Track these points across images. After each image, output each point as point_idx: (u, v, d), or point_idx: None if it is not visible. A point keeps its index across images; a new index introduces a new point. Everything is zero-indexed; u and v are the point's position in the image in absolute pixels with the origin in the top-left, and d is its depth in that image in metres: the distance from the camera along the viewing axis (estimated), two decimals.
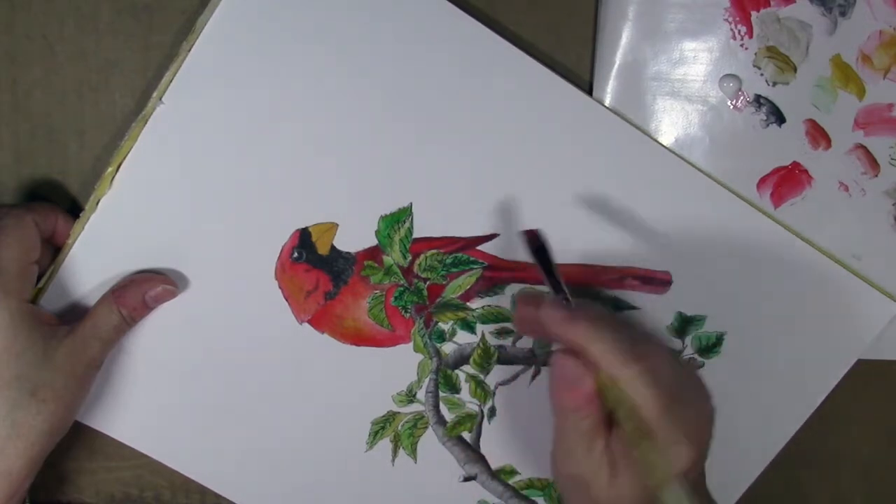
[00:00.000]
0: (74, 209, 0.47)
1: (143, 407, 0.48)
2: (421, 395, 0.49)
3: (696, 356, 0.49)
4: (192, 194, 0.46)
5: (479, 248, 0.48)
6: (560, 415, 0.41)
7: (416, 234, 0.47)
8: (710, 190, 0.48)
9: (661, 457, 0.38)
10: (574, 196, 0.47)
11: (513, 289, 0.48)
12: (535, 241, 0.43)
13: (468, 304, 0.48)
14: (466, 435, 0.50)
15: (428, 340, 0.49)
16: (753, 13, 0.46)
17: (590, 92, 0.47)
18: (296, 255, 0.47)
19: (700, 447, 0.39)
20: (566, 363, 0.39)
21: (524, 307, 0.45)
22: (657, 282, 0.48)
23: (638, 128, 0.47)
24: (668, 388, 0.38)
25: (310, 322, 0.48)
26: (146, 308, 0.46)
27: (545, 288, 0.45)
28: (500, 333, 0.49)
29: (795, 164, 0.48)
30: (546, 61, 0.46)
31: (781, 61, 0.47)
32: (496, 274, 0.48)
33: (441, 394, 0.49)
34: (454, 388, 0.49)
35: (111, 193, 0.45)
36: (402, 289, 0.48)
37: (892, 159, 0.48)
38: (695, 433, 0.39)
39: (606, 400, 0.39)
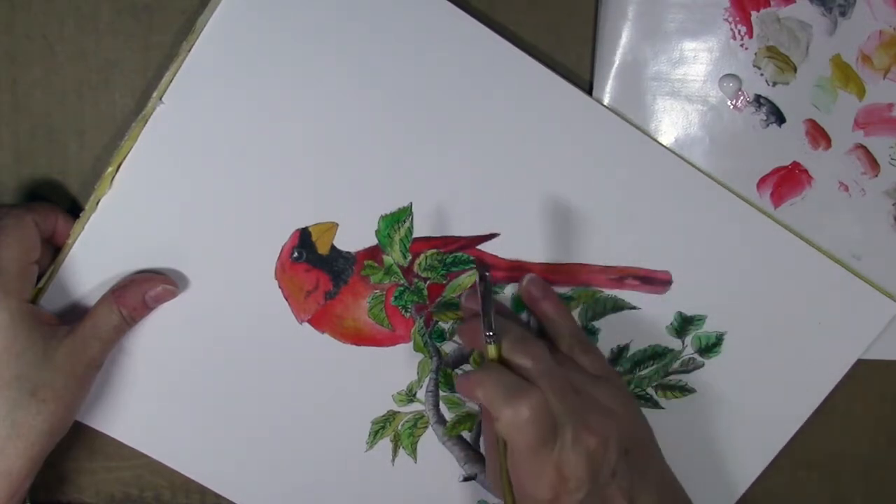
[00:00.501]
0: (74, 209, 0.47)
1: (143, 407, 0.48)
2: (421, 394, 0.49)
3: (696, 356, 0.50)
4: (193, 194, 0.46)
5: (479, 247, 0.48)
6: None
7: (416, 234, 0.47)
8: (710, 190, 0.48)
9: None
10: (573, 195, 0.47)
11: (513, 288, 0.48)
12: (484, 277, 0.44)
13: None
14: (466, 434, 0.50)
15: (428, 340, 0.49)
16: (753, 13, 0.46)
17: (590, 92, 0.47)
18: (296, 254, 0.47)
19: (559, 486, 0.41)
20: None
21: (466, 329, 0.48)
22: (657, 282, 0.48)
23: (638, 128, 0.47)
24: (541, 430, 0.41)
25: (310, 322, 0.48)
26: (146, 308, 0.46)
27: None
28: None
29: (795, 164, 0.48)
30: (546, 61, 0.46)
31: (781, 61, 0.47)
32: (496, 273, 0.48)
33: (441, 393, 0.49)
34: (454, 388, 0.49)
35: (111, 193, 0.45)
36: (402, 288, 0.48)
37: (892, 159, 0.48)
38: (551, 475, 0.41)
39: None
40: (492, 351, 0.43)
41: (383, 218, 0.47)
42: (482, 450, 0.50)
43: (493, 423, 0.42)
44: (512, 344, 0.43)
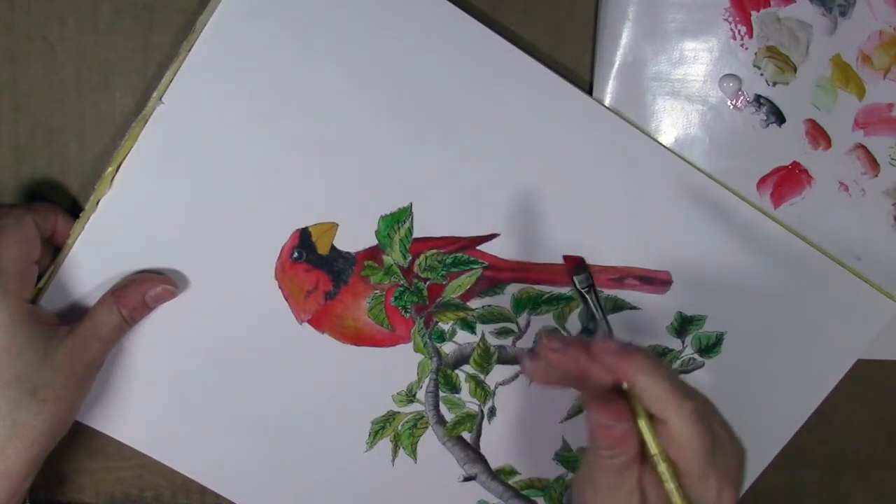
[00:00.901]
0: (74, 209, 0.47)
1: (143, 407, 0.48)
2: (421, 394, 0.49)
3: (696, 356, 0.50)
4: (192, 194, 0.46)
5: (479, 247, 0.48)
6: (594, 450, 0.39)
7: (416, 234, 0.47)
8: (710, 190, 0.48)
9: (703, 496, 0.37)
10: (573, 195, 0.47)
11: (513, 289, 0.48)
12: (583, 274, 0.42)
13: (468, 304, 0.48)
14: (466, 435, 0.50)
15: (428, 340, 0.49)
16: (753, 13, 0.46)
17: (590, 92, 0.47)
18: (296, 255, 0.47)
19: (737, 488, 0.39)
20: (606, 401, 0.38)
21: (533, 360, 0.42)
22: (657, 282, 0.48)
23: (638, 128, 0.47)
24: (713, 429, 0.38)
25: (310, 322, 0.48)
26: (146, 308, 0.46)
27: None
28: (500, 333, 0.49)
29: (795, 164, 0.48)
30: (546, 61, 0.46)
31: (781, 61, 0.47)
32: (496, 274, 0.48)
33: (441, 394, 0.49)
34: (454, 388, 0.49)
35: (111, 193, 0.45)
36: (402, 289, 0.48)
37: (892, 159, 0.48)
38: (734, 474, 0.38)
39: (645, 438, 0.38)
40: None
41: (383, 218, 0.47)
42: (482, 450, 0.50)
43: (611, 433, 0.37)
44: (649, 357, 0.38)
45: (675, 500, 0.37)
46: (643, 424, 0.38)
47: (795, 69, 0.47)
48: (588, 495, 0.40)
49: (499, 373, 0.49)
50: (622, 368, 0.38)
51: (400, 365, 0.49)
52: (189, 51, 0.44)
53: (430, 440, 0.50)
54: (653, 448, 0.38)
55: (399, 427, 0.50)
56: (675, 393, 0.37)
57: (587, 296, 0.42)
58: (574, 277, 0.43)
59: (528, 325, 0.49)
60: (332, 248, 0.47)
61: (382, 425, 0.49)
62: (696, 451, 0.37)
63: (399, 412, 0.49)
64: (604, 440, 0.38)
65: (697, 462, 0.37)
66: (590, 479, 0.40)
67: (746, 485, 0.50)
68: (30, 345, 0.42)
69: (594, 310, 0.41)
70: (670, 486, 0.37)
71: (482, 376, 0.49)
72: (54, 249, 0.46)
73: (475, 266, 0.48)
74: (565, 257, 0.45)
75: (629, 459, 0.38)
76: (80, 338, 0.44)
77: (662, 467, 0.37)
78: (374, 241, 0.47)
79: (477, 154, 0.47)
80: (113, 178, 0.45)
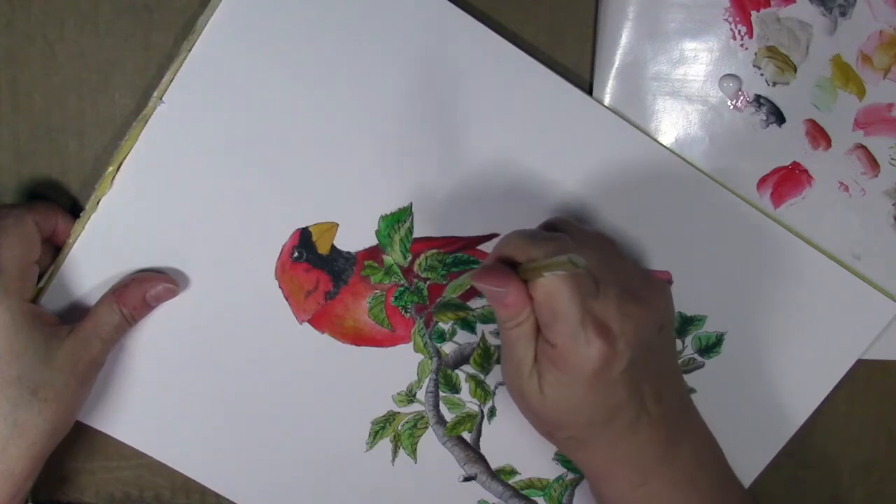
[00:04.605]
0: (74, 209, 0.47)
1: (144, 407, 0.48)
2: (421, 395, 0.49)
3: (696, 356, 0.50)
4: (192, 194, 0.46)
5: (479, 247, 0.48)
6: (500, 325, 0.41)
7: (416, 234, 0.47)
8: (710, 190, 0.48)
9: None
10: (574, 195, 0.47)
11: None
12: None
13: (468, 303, 0.48)
14: (466, 435, 0.50)
15: (428, 340, 0.49)
16: (753, 13, 0.46)
17: (590, 92, 0.47)
18: (296, 254, 0.47)
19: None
20: (492, 269, 0.39)
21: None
22: None
23: (638, 128, 0.47)
24: (572, 282, 0.38)
25: (310, 322, 0.48)
26: (147, 307, 0.46)
27: None
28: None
29: (795, 164, 0.48)
30: (546, 61, 0.46)
31: (781, 61, 0.47)
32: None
33: (441, 394, 0.49)
34: (454, 388, 0.49)
35: (111, 193, 0.45)
36: (402, 289, 0.48)
37: (892, 159, 0.48)
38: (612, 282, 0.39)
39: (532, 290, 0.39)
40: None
41: (383, 218, 0.47)
42: (482, 450, 0.50)
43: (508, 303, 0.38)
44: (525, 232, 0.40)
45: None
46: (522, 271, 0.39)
47: (795, 69, 0.47)
48: (504, 373, 0.42)
49: (499, 373, 0.49)
50: (494, 256, 0.40)
51: (400, 365, 0.49)
52: (189, 51, 0.44)
53: (430, 440, 0.50)
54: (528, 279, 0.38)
55: (399, 427, 0.50)
56: (526, 239, 0.39)
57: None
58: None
59: None
60: (333, 247, 0.47)
61: (382, 425, 0.49)
62: (559, 307, 0.38)
63: (399, 412, 0.49)
64: (501, 309, 0.39)
65: (561, 317, 0.38)
66: (505, 358, 0.42)
67: (747, 484, 0.51)
68: (31, 344, 0.42)
69: None
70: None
71: (482, 376, 0.49)
72: (54, 249, 0.46)
73: (475, 266, 0.48)
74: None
75: (528, 328, 0.39)
76: (81, 337, 0.44)
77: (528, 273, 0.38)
78: (374, 241, 0.47)
79: (477, 154, 0.47)
80: (113, 178, 0.45)
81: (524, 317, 0.39)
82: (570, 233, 0.41)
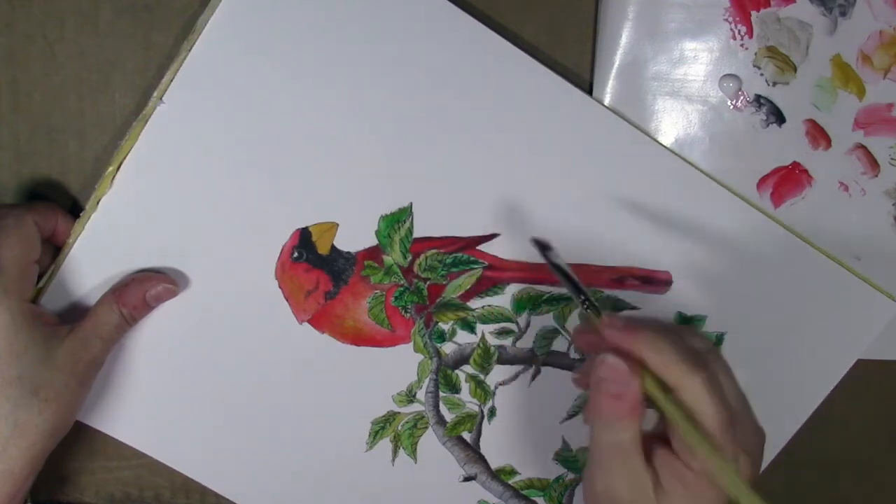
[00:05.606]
0: (74, 209, 0.47)
1: (144, 407, 0.48)
2: (421, 395, 0.49)
3: None
4: (193, 194, 0.46)
5: (479, 248, 0.48)
6: (598, 426, 0.38)
7: (416, 234, 0.47)
8: (710, 190, 0.48)
9: (732, 467, 0.36)
10: (574, 196, 0.47)
11: (513, 289, 0.48)
12: (547, 249, 0.42)
13: (468, 304, 0.48)
14: (466, 435, 0.50)
15: (428, 340, 0.49)
16: (753, 13, 0.46)
17: (590, 92, 0.47)
18: (296, 254, 0.47)
19: (757, 463, 0.38)
20: (614, 365, 0.37)
21: (581, 331, 0.44)
22: (657, 282, 0.48)
23: (638, 128, 0.47)
24: (731, 399, 0.37)
25: (310, 322, 0.48)
26: (147, 307, 0.46)
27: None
28: (500, 333, 0.49)
29: (795, 164, 0.48)
30: (546, 61, 0.46)
31: (781, 61, 0.47)
32: (496, 274, 0.48)
33: (441, 394, 0.49)
34: (454, 388, 0.49)
35: (111, 193, 0.45)
36: (402, 289, 0.48)
37: (892, 159, 0.48)
38: (752, 447, 0.38)
39: (661, 409, 0.37)
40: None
41: (383, 218, 0.47)
42: (482, 450, 0.50)
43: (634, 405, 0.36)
44: (654, 330, 0.38)
45: (702, 448, 0.36)
46: (651, 385, 0.37)
47: (795, 69, 0.47)
48: (599, 483, 0.38)
49: (499, 373, 0.49)
50: (627, 343, 0.38)
51: (400, 365, 0.49)
52: (189, 51, 0.44)
53: (430, 440, 0.50)
54: (666, 409, 0.37)
55: (399, 427, 0.50)
56: (685, 361, 0.36)
57: (567, 269, 0.41)
58: (546, 253, 0.42)
59: (528, 325, 0.49)
60: (333, 247, 0.47)
61: (382, 425, 0.49)
62: (711, 419, 0.36)
63: (399, 412, 0.49)
64: (611, 408, 0.37)
65: (714, 431, 0.36)
66: (599, 462, 0.38)
67: None
68: (31, 344, 0.42)
69: (578, 283, 0.40)
70: (693, 437, 0.36)
71: (482, 376, 0.49)
72: (54, 249, 0.46)
73: (475, 266, 0.48)
74: (533, 240, 0.43)
75: (635, 435, 0.37)
76: (81, 337, 0.44)
77: (680, 422, 0.36)
78: (374, 241, 0.47)
79: (477, 154, 0.47)
80: (113, 178, 0.45)
81: (634, 423, 0.37)
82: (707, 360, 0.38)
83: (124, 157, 0.45)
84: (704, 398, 0.36)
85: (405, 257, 0.48)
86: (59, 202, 0.47)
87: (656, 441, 0.38)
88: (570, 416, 0.50)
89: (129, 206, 0.46)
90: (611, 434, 0.38)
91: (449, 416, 0.50)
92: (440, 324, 0.49)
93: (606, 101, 0.47)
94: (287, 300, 0.47)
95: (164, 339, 0.47)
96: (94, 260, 0.46)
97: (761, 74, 0.47)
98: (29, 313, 0.43)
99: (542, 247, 0.41)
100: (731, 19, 0.46)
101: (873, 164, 0.48)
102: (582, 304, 0.39)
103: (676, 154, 0.47)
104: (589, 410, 0.39)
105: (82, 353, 0.43)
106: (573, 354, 0.49)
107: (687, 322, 0.49)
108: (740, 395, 0.39)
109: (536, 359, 0.49)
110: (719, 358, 0.39)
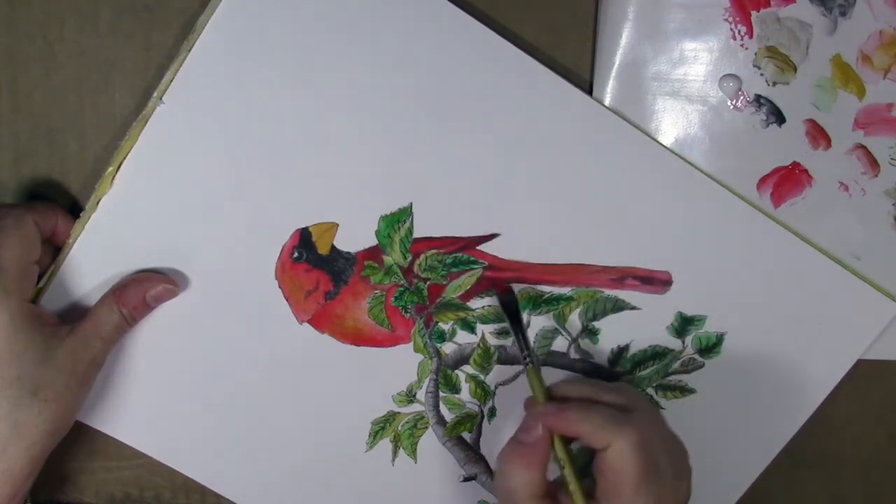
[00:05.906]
0: (74, 209, 0.47)
1: (144, 407, 0.48)
2: (421, 395, 0.49)
3: (696, 356, 0.49)
4: (193, 194, 0.46)
5: (479, 248, 0.48)
6: (497, 471, 0.43)
7: (416, 234, 0.47)
8: (710, 190, 0.48)
9: None
10: (574, 196, 0.47)
11: (513, 289, 0.48)
12: (509, 302, 0.46)
13: (468, 304, 0.48)
14: (466, 435, 0.50)
15: (428, 340, 0.49)
16: (753, 13, 0.46)
17: (590, 92, 0.47)
18: (296, 254, 0.47)
19: None
20: (529, 426, 0.42)
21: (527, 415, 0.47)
22: (657, 282, 0.48)
23: (638, 128, 0.47)
24: (650, 457, 0.40)
25: (310, 322, 0.48)
26: (147, 307, 0.46)
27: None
28: (500, 333, 0.49)
29: (795, 164, 0.48)
30: (546, 61, 0.46)
31: (781, 61, 0.47)
32: (496, 274, 0.48)
33: (441, 394, 0.49)
34: (454, 389, 0.49)
35: (111, 193, 0.45)
36: (402, 289, 0.48)
37: (892, 159, 0.48)
38: (672, 496, 0.41)
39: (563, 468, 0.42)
40: (535, 382, 0.44)
41: (383, 218, 0.47)
42: (482, 450, 0.50)
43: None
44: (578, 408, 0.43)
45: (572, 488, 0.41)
46: (559, 447, 0.42)
47: (795, 69, 0.47)
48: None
49: (499, 373, 0.49)
50: (561, 426, 0.42)
51: (400, 365, 0.49)
52: (189, 51, 0.44)
53: (430, 440, 0.50)
54: (563, 474, 0.42)
55: (399, 427, 0.50)
56: (606, 426, 0.41)
57: (508, 317, 0.45)
58: (499, 296, 0.46)
59: (528, 325, 0.49)
60: (333, 248, 0.47)
61: (382, 425, 0.49)
62: (627, 475, 0.40)
63: (399, 412, 0.49)
64: (520, 465, 0.42)
65: (628, 486, 0.40)
66: None
67: (747, 484, 0.51)
68: (31, 344, 0.42)
69: (519, 337, 0.45)
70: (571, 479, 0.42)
71: (482, 376, 0.49)
72: (54, 249, 0.46)
73: (475, 266, 0.48)
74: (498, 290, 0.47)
75: (531, 484, 0.41)
76: (81, 337, 0.44)
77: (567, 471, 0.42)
78: (374, 241, 0.47)
79: (477, 154, 0.47)
80: (113, 178, 0.45)
81: (536, 476, 0.41)
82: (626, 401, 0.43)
83: (124, 157, 0.45)
84: (625, 457, 0.40)
85: (405, 257, 0.48)
86: (59, 202, 0.47)
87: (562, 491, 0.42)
88: None
89: (129, 206, 0.46)
90: (505, 480, 0.42)
91: (449, 416, 0.50)
92: (440, 324, 0.49)
93: (606, 101, 0.47)
94: (287, 300, 0.47)
95: (164, 339, 0.47)
96: (94, 260, 0.46)
97: (761, 74, 0.47)
98: (29, 313, 0.43)
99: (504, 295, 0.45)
100: (731, 19, 0.46)
101: (873, 164, 0.48)
102: (524, 360, 0.44)
103: (676, 154, 0.47)
104: (498, 456, 0.43)
105: (82, 353, 0.43)
106: (573, 354, 0.49)
107: (687, 322, 0.49)
108: (670, 442, 0.43)
109: (536, 359, 0.49)
110: (646, 410, 0.43)
